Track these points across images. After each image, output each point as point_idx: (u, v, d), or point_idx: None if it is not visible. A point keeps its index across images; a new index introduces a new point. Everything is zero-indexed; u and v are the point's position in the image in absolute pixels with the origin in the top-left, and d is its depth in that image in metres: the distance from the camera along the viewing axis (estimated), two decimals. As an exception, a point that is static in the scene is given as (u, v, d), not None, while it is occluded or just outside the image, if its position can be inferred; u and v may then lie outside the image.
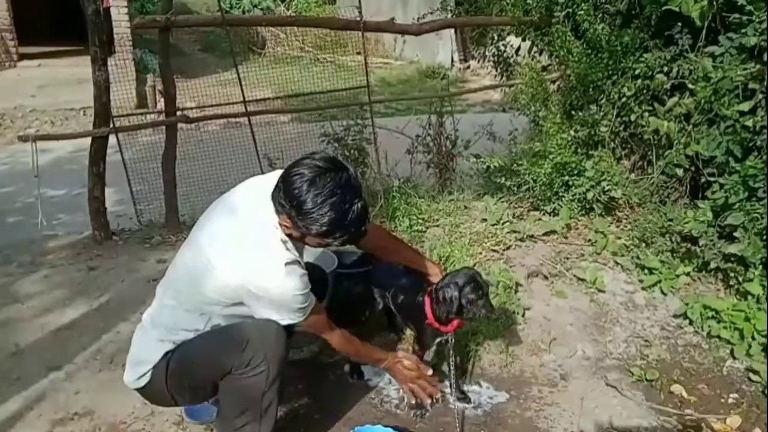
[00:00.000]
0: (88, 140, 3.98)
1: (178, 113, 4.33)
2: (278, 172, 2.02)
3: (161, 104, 6.02)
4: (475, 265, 3.42)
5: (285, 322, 1.98)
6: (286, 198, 1.87)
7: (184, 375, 2.02)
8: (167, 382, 2.03)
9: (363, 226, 1.94)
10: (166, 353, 2.02)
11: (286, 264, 1.91)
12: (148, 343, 2.06)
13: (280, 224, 1.94)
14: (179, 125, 4.24)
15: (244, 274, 1.90)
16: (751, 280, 3.06)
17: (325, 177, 1.84)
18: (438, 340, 2.52)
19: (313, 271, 2.55)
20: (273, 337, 1.95)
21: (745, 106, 3.16)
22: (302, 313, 1.99)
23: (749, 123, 3.12)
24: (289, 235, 1.97)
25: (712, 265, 3.19)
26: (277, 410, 2.06)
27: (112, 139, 4.06)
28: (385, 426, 2.31)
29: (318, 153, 1.95)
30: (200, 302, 1.98)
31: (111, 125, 3.98)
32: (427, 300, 2.41)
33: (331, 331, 2.15)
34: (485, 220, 3.88)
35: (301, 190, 1.83)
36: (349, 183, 1.88)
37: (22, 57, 11.41)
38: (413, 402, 2.52)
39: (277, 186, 1.91)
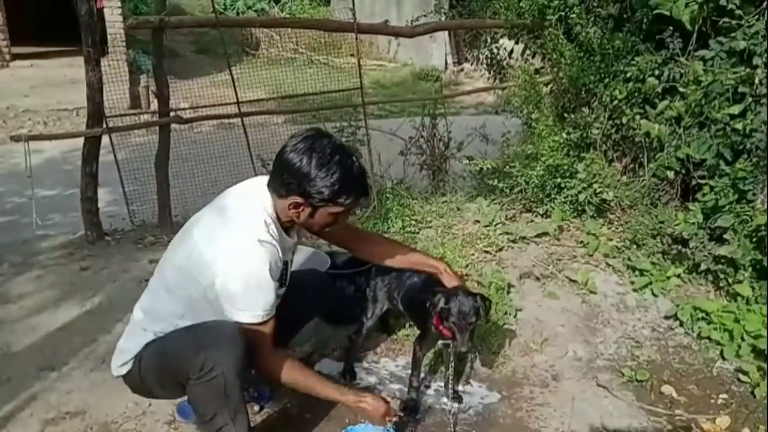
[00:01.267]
0: (81, 140, 3.97)
1: (172, 114, 4.33)
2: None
3: (155, 105, 6.00)
4: (467, 266, 3.43)
5: (244, 317, 1.94)
6: (290, 175, 1.93)
7: (152, 372, 2.03)
8: (141, 376, 2.05)
9: (366, 182, 2.06)
10: (145, 344, 2.03)
11: (260, 240, 1.92)
12: (133, 332, 2.08)
13: (290, 207, 1.97)
14: (172, 126, 4.24)
15: (217, 245, 1.93)
16: (740, 282, 3.09)
17: (320, 142, 1.94)
18: (440, 343, 2.51)
19: (306, 274, 2.57)
20: (226, 342, 1.90)
21: (735, 110, 3.19)
22: (261, 312, 1.95)
23: (739, 126, 3.15)
24: (293, 221, 2.02)
25: (703, 266, 3.22)
26: (247, 411, 2.06)
27: (105, 140, 4.05)
28: (376, 426, 2.31)
29: (299, 132, 2.00)
30: (184, 285, 1.99)
31: (104, 126, 3.97)
32: None
33: (272, 355, 2.03)
34: (478, 221, 3.90)
35: (303, 161, 1.91)
36: (342, 145, 2.02)
37: (15, 57, 11.35)
38: (404, 406, 2.54)
39: (274, 173, 1.97)
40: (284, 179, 1.95)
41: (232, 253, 1.92)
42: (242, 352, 1.92)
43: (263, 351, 2.00)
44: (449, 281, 2.40)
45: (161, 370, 2.01)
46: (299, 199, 1.95)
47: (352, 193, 1.98)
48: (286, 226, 2.09)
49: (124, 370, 2.08)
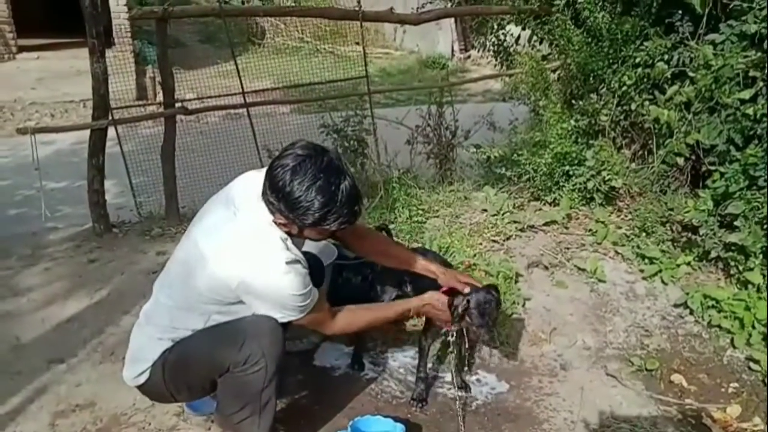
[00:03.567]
0: (89, 132, 3.96)
1: (178, 105, 4.31)
2: None
3: (161, 96, 6.00)
4: (475, 255, 3.41)
5: (285, 319, 1.98)
6: (273, 194, 1.85)
7: (181, 373, 2.02)
8: (165, 380, 2.03)
9: (356, 205, 1.91)
10: (164, 351, 2.02)
11: (287, 263, 1.89)
12: (146, 340, 2.06)
13: (276, 223, 1.92)
14: (179, 117, 4.23)
15: (244, 274, 1.88)
16: (751, 269, 3.06)
17: (305, 163, 1.82)
18: (446, 330, 2.50)
19: (309, 261, 2.56)
20: (270, 334, 1.95)
21: (746, 94, 3.14)
22: (303, 311, 1.98)
23: (750, 111, 3.11)
24: (288, 233, 1.95)
25: (713, 254, 3.18)
26: (275, 405, 2.07)
27: (112, 132, 4.05)
28: (385, 417, 2.31)
29: (298, 142, 1.91)
30: (196, 301, 1.96)
31: (110, 117, 3.97)
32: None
33: (333, 319, 2.11)
34: (485, 210, 3.87)
35: (285, 181, 1.81)
36: (331, 165, 1.85)
37: (21, 49, 11.36)
38: (416, 394, 2.54)
39: (264, 185, 1.88)
40: (268, 197, 1.87)
41: (266, 285, 1.90)
42: (284, 347, 1.97)
43: (326, 324, 2.11)
44: (449, 281, 2.35)
45: (194, 369, 2.00)
46: (283, 219, 1.89)
47: (335, 220, 1.87)
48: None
49: (142, 380, 2.06)
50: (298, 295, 1.93)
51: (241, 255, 1.89)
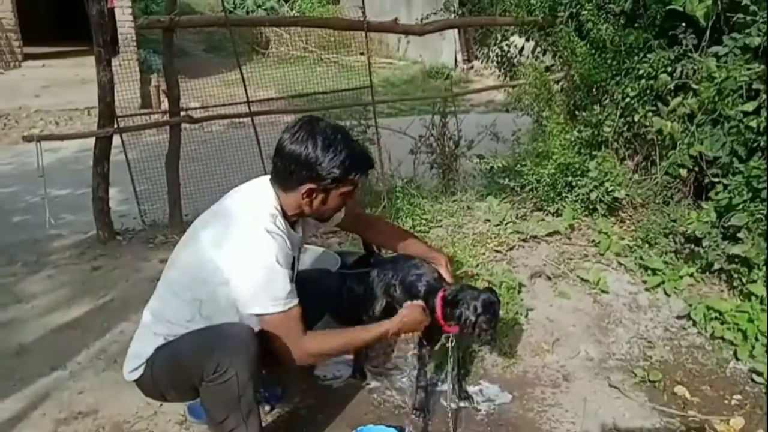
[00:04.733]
0: (93, 140, 3.99)
1: (182, 113, 4.34)
2: None
3: (165, 104, 6.02)
4: (478, 265, 3.42)
5: (264, 308, 1.94)
6: (298, 166, 1.96)
7: (165, 375, 2.03)
8: (153, 379, 2.05)
9: (370, 156, 2.21)
10: (156, 348, 2.03)
11: (267, 230, 1.93)
12: (145, 336, 2.08)
13: (304, 196, 2.00)
14: (183, 125, 4.25)
15: (225, 243, 1.94)
16: (754, 281, 3.05)
17: (318, 125, 1.98)
18: (443, 337, 2.50)
19: (318, 274, 2.58)
20: (239, 343, 1.90)
21: (749, 107, 3.15)
22: (281, 300, 1.94)
23: (753, 123, 3.11)
24: (296, 216, 2.07)
25: (716, 266, 3.18)
26: (259, 412, 2.06)
27: (116, 140, 4.07)
28: (387, 426, 2.31)
29: (291, 125, 2.02)
30: (191, 285, 1.99)
31: (115, 125, 3.99)
32: (439, 300, 2.36)
33: (304, 339, 2.01)
34: (488, 220, 3.88)
35: (308, 148, 1.94)
36: (336, 125, 2.06)
37: (27, 57, 11.43)
38: (416, 403, 2.53)
39: (279, 169, 2.00)
40: (292, 171, 1.97)
41: (240, 248, 1.93)
42: (255, 353, 1.92)
43: (295, 340, 1.99)
44: (445, 275, 2.46)
45: (174, 373, 2.01)
46: (312, 185, 1.98)
47: (361, 167, 2.05)
48: (291, 221, 2.11)
49: (136, 375, 2.08)
50: (273, 270, 1.91)
51: (227, 226, 1.97)
